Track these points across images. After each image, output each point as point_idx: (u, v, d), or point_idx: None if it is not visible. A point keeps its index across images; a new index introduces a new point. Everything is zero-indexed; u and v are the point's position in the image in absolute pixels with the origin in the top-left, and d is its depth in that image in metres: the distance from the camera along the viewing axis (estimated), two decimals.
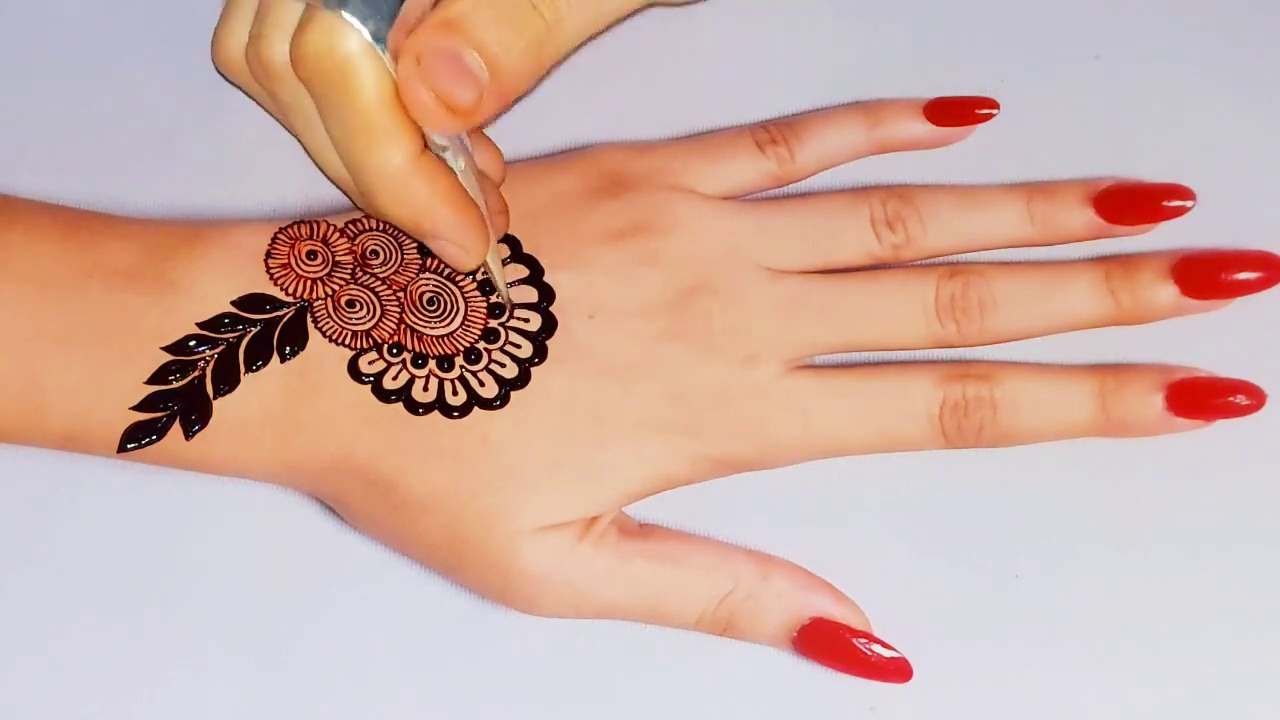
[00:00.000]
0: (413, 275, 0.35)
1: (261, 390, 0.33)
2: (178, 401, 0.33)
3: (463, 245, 0.33)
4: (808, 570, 0.34)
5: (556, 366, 0.34)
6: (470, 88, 0.31)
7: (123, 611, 0.34)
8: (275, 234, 0.34)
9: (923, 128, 0.38)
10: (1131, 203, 0.37)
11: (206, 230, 0.35)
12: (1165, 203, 0.36)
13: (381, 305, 0.34)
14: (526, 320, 0.34)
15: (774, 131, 0.38)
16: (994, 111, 0.38)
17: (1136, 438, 0.35)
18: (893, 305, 0.35)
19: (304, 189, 0.38)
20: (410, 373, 0.34)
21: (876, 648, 0.33)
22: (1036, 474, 0.35)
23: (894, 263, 0.36)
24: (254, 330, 0.33)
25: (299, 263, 0.34)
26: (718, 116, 0.39)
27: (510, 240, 0.35)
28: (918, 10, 0.41)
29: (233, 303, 0.33)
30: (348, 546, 0.35)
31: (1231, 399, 0.35)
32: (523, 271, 0.35)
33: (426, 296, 0.35)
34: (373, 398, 0.33)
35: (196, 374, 0.33)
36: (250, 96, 0.36)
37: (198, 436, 0.33)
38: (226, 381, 0.33)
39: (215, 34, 0.35)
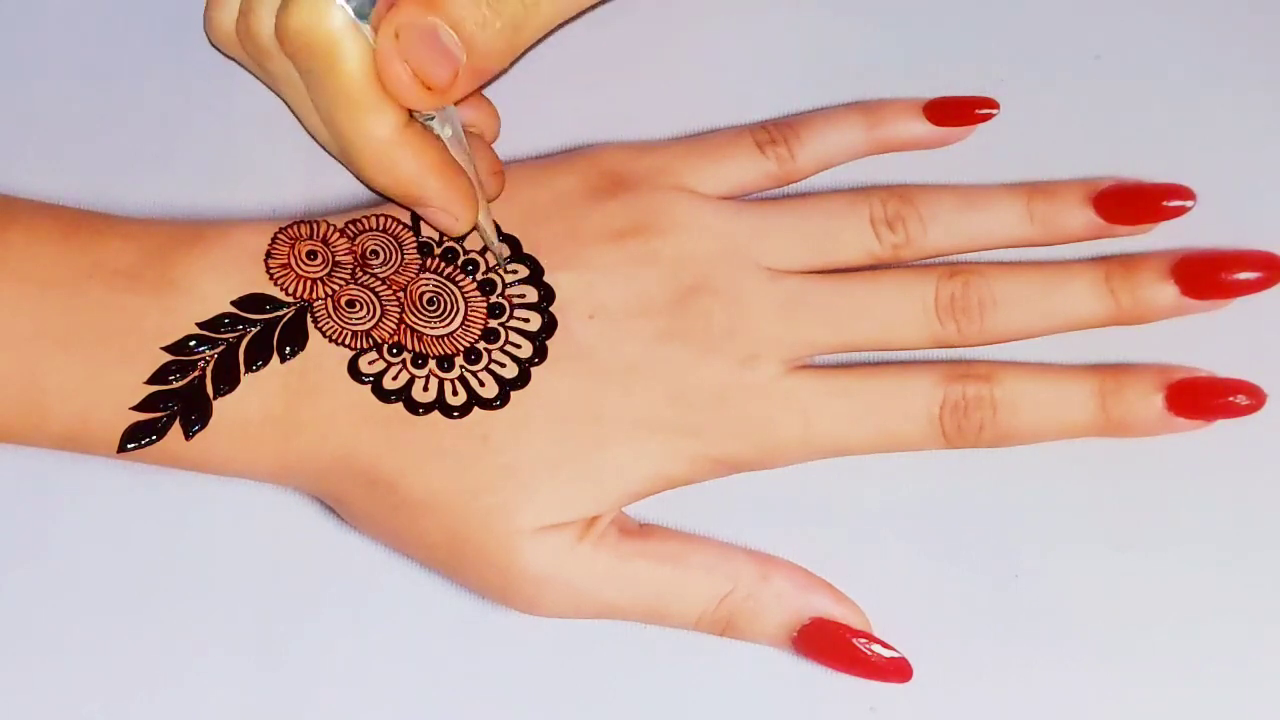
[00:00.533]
0: (413, 275, 0.35)
1: (261, 390, 0.33)
2: (178, 401, 0.33)
3: (452, 212, 0.34)
4: (808, 570, 0.34)
5: (556, 366, 0.34)
6: (446, 65, 0.32)
7: (123, 611, 0.34)
8: (275, 234, 0.35)
9: (923, 128, 0.38)
10: (1131, 203, 0.37)
11: (206, 230, 0.35)
12: (1165, 203, 0.36)
13: (381, 305, 0.34)
14: (526, 320, 0.34)
15: (774, 131, 0.38)
16: (994, 111, 0.38)
17: (1136, 438, 0.35)
18: (893, 305, 0.35)
19: (304, 189, 0.38)
20: (410, 373, 0.34)
21: (876, 648, 0.33)
22: (1036, 474, 0.35)
23: (894, 263, 0.36)
24: (254, 330, 0.33)
25: (299, 263, 0.34)
26: (718, 116, 0.39)
27: (510, 240, 0.35)
28: (918, 10, 0.41)
29: (233, 303, 0.33)
30: (348, 546, 0.35)
31: (1231, 399, 0.35)
32: (523, 271, 0.35)
33: (426, 296, 0.35)
34: (373, 398, 0.33)
35: (196, 374, 0.33)
36: (245, 69, 0.36)
37: (198, 436, 0.33)
38: (226, 381, 0.33)
39: (207, 8, 0.35)
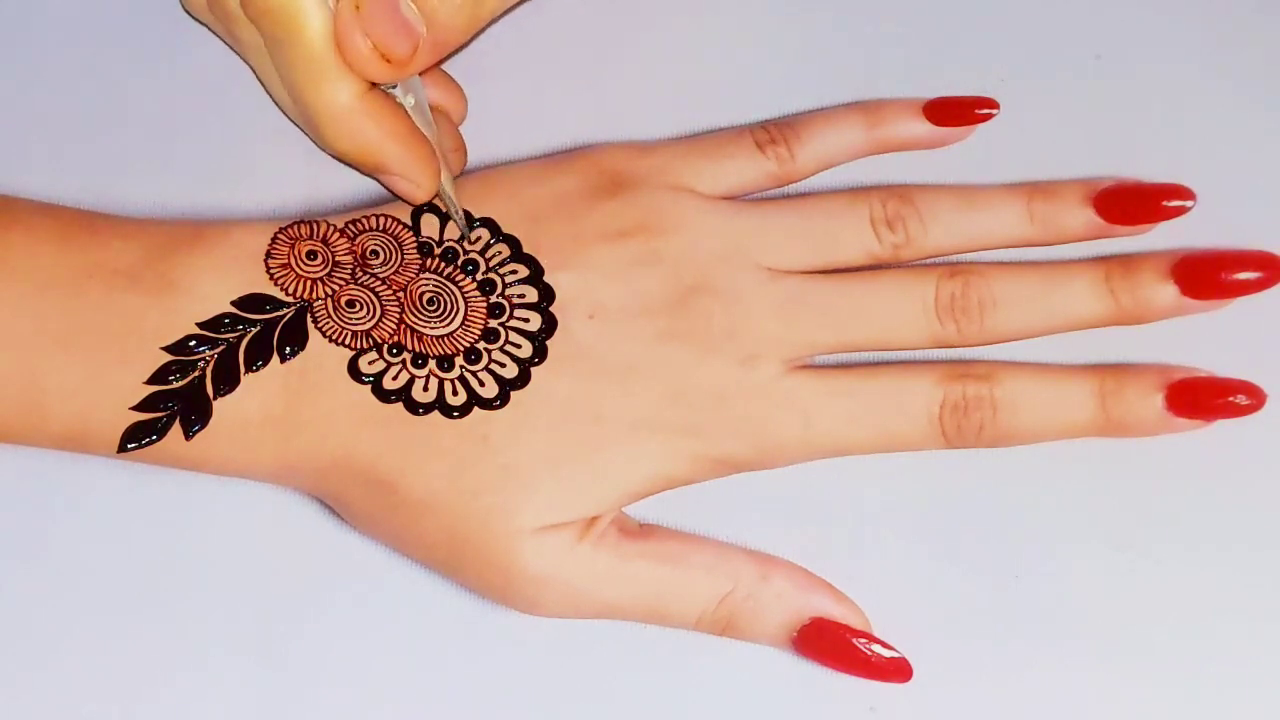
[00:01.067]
0: (413, 275, 0.35)
1: (261, 390, 0.33)
2: (178, 401, 0.33)
3: (412, 179, 0.34)
4: (808, 570, 0.34)
5: (556, 366, 0.34)
6: (406, 39, 0.32)
7: (123, 612, 0.34)
8: (275, 234, 0.34)
9: (923, 128, 0.38)
10: (1131, 203, 0.37)
11: (206, 230, 0.35)
12: (1165, 203, 0.36)
13: (381, 305, 0.34)
14: (526, 320, 0.34)
15: (774, 131, 0.38)
16: (994, 111, 0.38)
17: (1136, 438, 0.35)
18: (893, 305, 0.35)
19: (304, 189, 0.38)
20: (410, 373, 0.34)
21: (876, 648, 0.33)
22: (1036, 474, 0.35)
23: (894, 263, 0.36)
24: (254, 330, 0.33)
25: (299, 263, 0.34)
26: (718, 116, 0.39)
27: (510, 240, 0.35)
28: (918, 10, 0.41)
29: (233, 303, 0.33)
30: (348, 546, 0.35)
31: (1231, 399, 0.35)
32: (523, 271, 0.35)
33: (426, 296, 0.35)
34: (373, 398, 0.33)
35: (196, 374, 0.33)
36: (216, 35, 0.37)
37: (198, 436, 0.33)
38: (226, 381, 0.33)
39: None
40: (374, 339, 0.34)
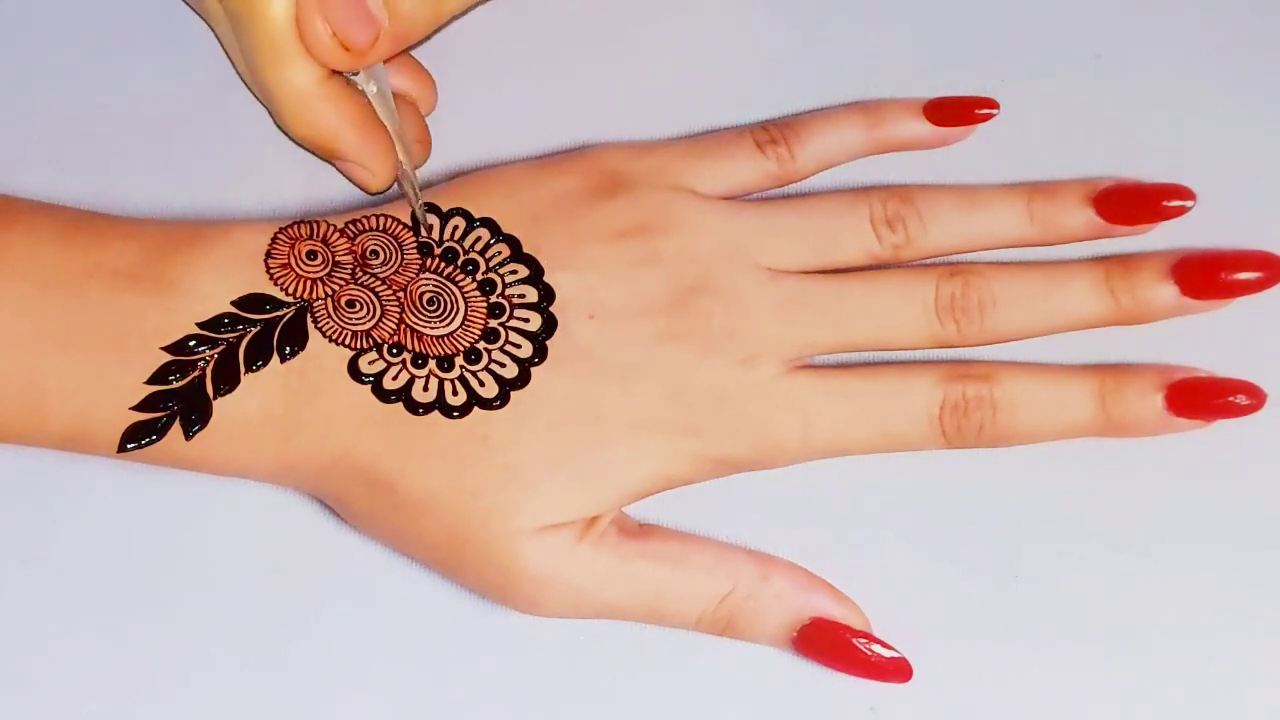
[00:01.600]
0: (413, 275, 0.35)
1: (261, 390, 0.33)
2: (178, 401, 0.33)
3: (368, 168, 0.34)
4: (808, 570, 0.34)
5: (556, 366, 0.34)
6: (367, 28, 0.33)
7: (123, 611, 0.34)
8: (275, 234, 0.34)
9: (923, 128, 0.38)
10: (1131, 203, 0.37)
11: (206, 230, 0.35)
12: (1165, 203, 0.36)
13: (381, 305, 0.34)
14: (526, 320, 0.34)
15: (774, 131, 0.38)
16: (994, 111, 0.38)
17: (1136, 438, 0.35)
18: (893, 305, 0.35)
19: (304, 189, 0.38)
20: (410, 373, 0.34)
21: (876, 648, 0.33)
22: (1036, 474, 0.35)
23: (894, 263, 0.36)
24: (254, 330, 0.33)
25: (299, 263, 0.34)
26: (718, 116, 0.39)
27: (510, 240, 0.35)
28: (918, 10, 0.41)
29: (233, 303, 0.33)
30: (348, 546, 0.35)
31: (1231, 399, 0.35)
32: (523, 271, 0.35)
33: (426, 296, 0.35)
34: (373, 398, 0.33)
35: (196, 374, 0.33)
36: (191, 8, 0.37)
37: (198, 436, 0.33)
38: (226, 381, 0.33)
39: None
40: (374, 339, 0.34)
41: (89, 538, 0.34)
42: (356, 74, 0.33)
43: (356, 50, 0.33)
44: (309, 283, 0.34)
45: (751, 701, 0.34)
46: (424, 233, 0.35)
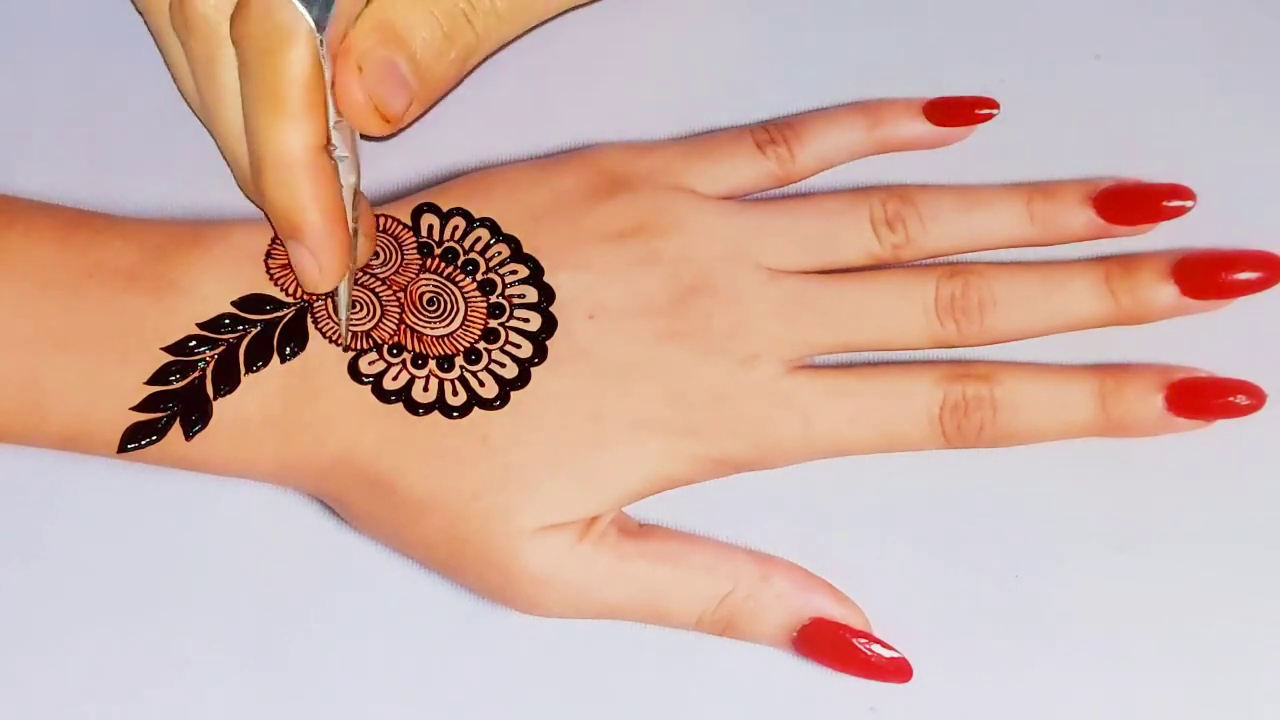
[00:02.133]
0: (413, 275, 0.35)
1: (262, 390, 0.33)
2: (178, 402, 0.33)
3: (320, 260, 0.33)
4: (808, 570, 0.34)
5: (556, 366, 0.34)
6: (403, 95, 0.32)
7: (123, 611, 0.34)
8: (275, 234, 0.34)
9: (923, 128, 0.38)
10: (1131, 203, 0.37)
11: (206, 230, 0.35)
12: (1165, 203, 0.36)
13: (381, 306, 0.34)
14: (526, 320, 0.34)
15: (774, 131, 0.38)
16: (994, 111, 0.38)
17: (1136, 438, 0.35)
18: (892, 305, 0.35)
19: None
20: (410, 373, 0.34)
21: (876, 648, 0.33)
22: (1036, 474, 0.35)
23: (894, 263, 0.36)
24: (254, 330, 0.33)
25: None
26: (718, 116, 0.39)
27: (510, 240, 0.35)
28: (918, 10, 0.41)
29: (233, 303, 0.33)
30: (348, 546, 0.35)
31: (1231, 399, 0.35)
32: (523, 271, 0.35)
33: (426, 297, 0.35)
34: (373, 398, 0.33)
35: (197, 374, 0.33)
36: (150, 31, 0.36)
37: (198, 437, 0.33)
38: (227, 382, 0.33)
39: None
40: (374, 339, 0.34)
41: (89, 538, 0.34)
42: (345, 158, 0.33)
43: (392, 117, 0.32)
44: None
45: (751, 701, 0.34)
46: (347, 344, 0.34)
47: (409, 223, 0.35)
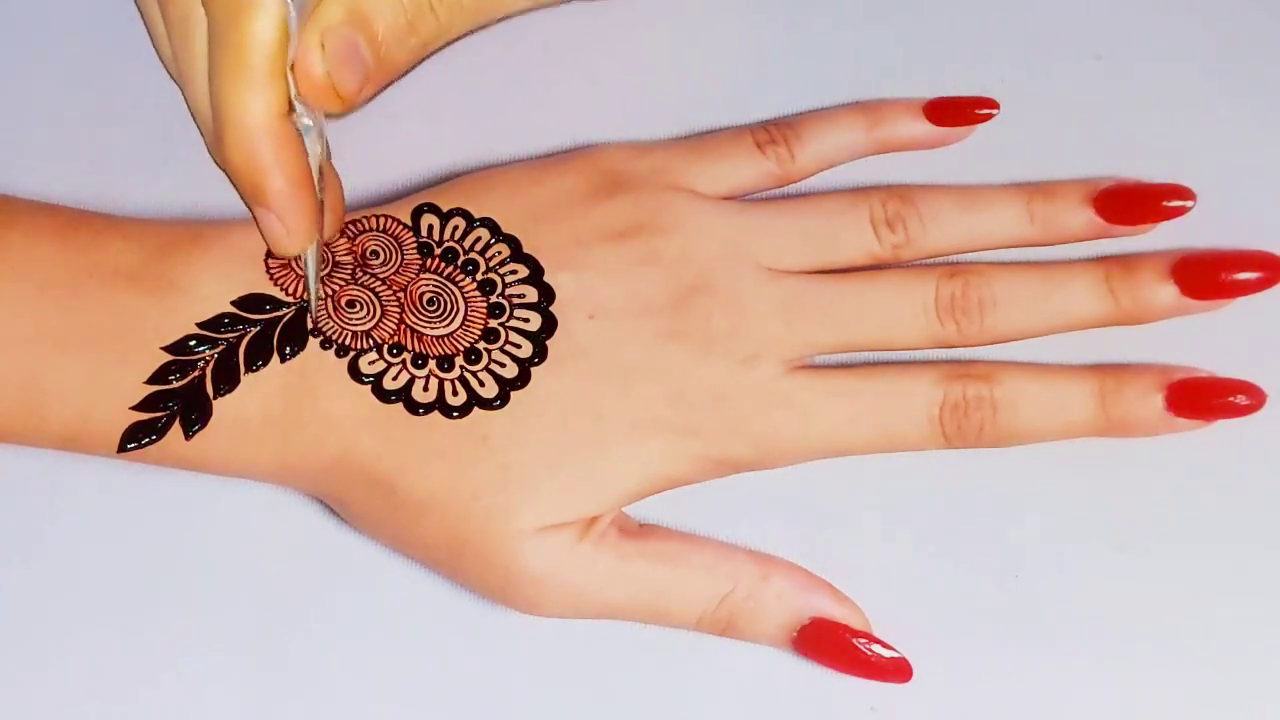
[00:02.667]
0: (413, 275, 0.35)
1: (261, 390, 0.33)
2: (178, 401, 0.33)
3: (287, 224, 0.33)
4: (808, 570, 0.34)
5: (556, 366, 0.34)
6: (358, 74, 0.33)
7: (123, 611, 0.34)
8: None
9: (923, 128, 0.38)
10: (1131, 203, 0.37)
11: (206, 230, 0.35)
12: (1165, 203, 0.36)
13: (381, 305, 0.34)
14: (526, 320, 0.34)
15: (774, 131, 0.38)
16: (994, 111, 0.38)
17: (1136, 438, 0.35)
18: (892, 305, 0.35)
19: None
20: (410, 373, 0.34)
21: (876, 648, 0.33)
22: (1036, 474, 0.35)
23: (894, 263, 0.36)
24: (254, 330, 0.33)
25: (299, 263, 0.34)
26: (718, 116, 0.39)
27: (510, 240, 0.35)
28: (918, 10, 0.41)
29: (233, 303, 0.33)
30: (348, 546, 0.35)
31: (1231, 399, 0.35)
32: (523, 271, 0.35)
33: (426, 297, 0.35)
34: (373, 398, 0.33)
35: (196, 374, 0.33)
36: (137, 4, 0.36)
37: (198, 436, 0.33)
38: (226, 381, 0.33)
39: None
40: (374, 339, 0.34)
41: (89, 538, 0.34)
42: (309, 130, 0.33)
43: (345, 96, 0.32)
44: None
45: (751, 701, 0.34)
46: (313, 314, 0.34)
47: (409, 223, 0.35)
